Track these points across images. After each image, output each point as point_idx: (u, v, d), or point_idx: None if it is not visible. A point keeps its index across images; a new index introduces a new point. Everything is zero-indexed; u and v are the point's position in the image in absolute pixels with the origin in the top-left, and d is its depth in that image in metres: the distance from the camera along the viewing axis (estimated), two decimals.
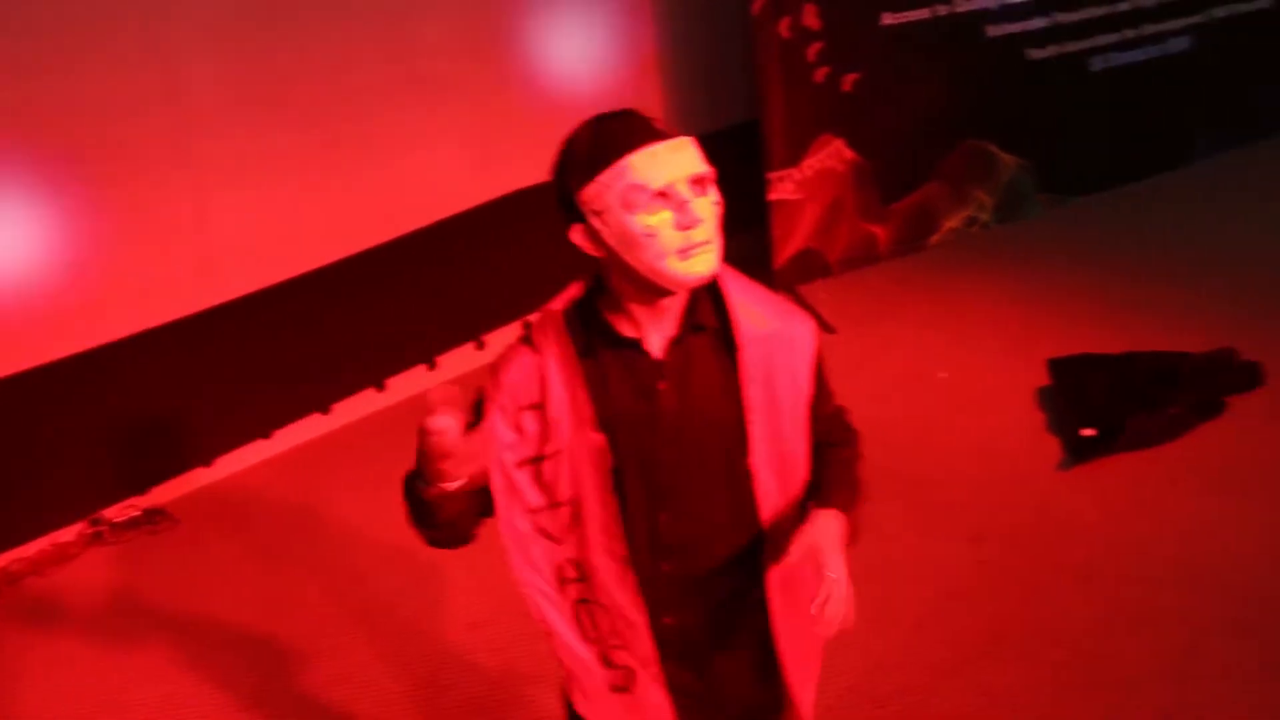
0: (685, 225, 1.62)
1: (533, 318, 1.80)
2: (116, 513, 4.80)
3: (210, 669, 3.79)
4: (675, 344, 1.74)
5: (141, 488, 4.89)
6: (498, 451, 1.72)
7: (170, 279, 4.84)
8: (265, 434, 5.20)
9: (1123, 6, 7.22)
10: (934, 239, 6.81)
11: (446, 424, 1.53)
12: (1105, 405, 4.43)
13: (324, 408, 5.38)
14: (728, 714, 1.96)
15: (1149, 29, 7.39)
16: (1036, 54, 6.98)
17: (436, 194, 5.59)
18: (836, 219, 6.50)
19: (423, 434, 1.55)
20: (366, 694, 3.51)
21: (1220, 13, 7.71)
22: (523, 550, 1.77)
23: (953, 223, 6.88)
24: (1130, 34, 7.31)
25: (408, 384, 5.57)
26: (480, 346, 5.84)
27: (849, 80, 6.38)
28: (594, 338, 1.74)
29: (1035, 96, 7.05)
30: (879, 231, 6.64)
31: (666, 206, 1.62)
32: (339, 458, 5.10)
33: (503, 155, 5.69)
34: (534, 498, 1.75)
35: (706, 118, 6.18)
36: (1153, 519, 3.74)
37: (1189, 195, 7.24)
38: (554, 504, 1.74)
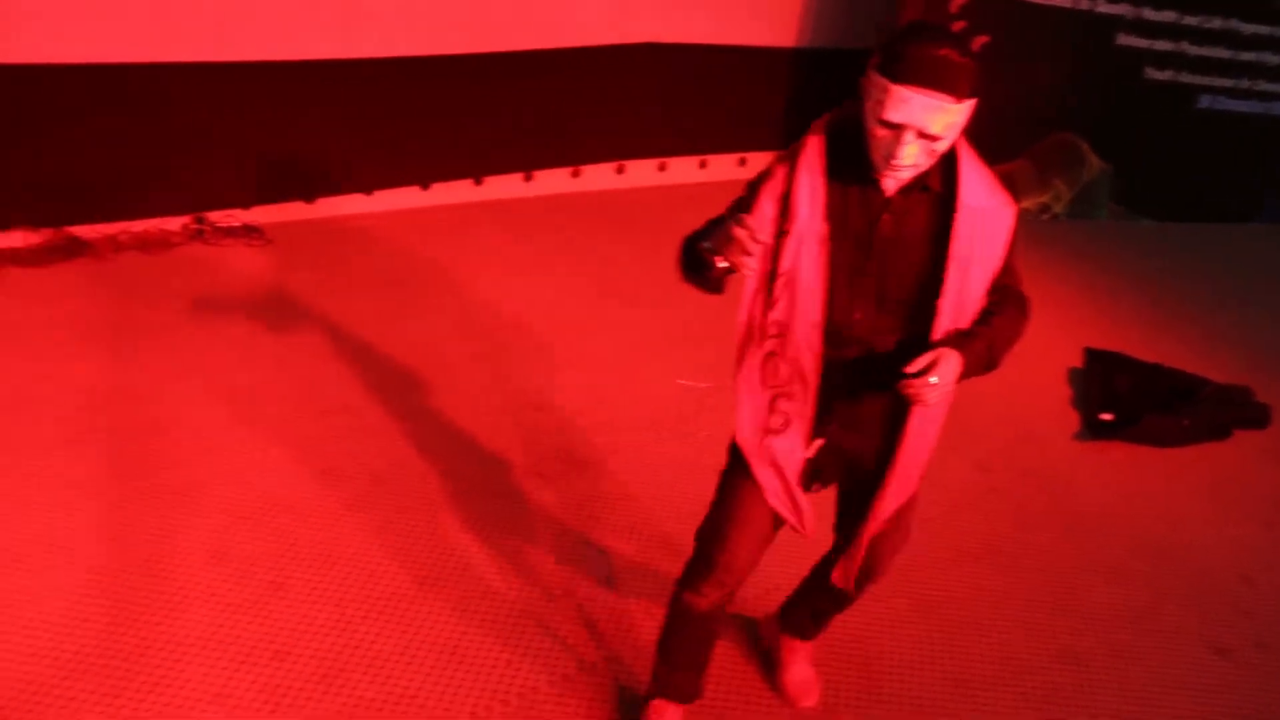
0: (890, 157, 2.03)
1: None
2: (219, 218, 5.15)
3: (289, 371, 4.19)
4: (903, 192, 2.14)
5: (246, 204, 5.24)
6: (759, 221, 2.14)
7: (323, 19, 5.13)
8: (367, 190, 5.55)
9: (1245, 56, 7.48)
10: None
11: (762, 237, 1.98)
12: (1127, 399, 4.83)
13: (424, 184, 5.73)
14: (840, 479, 2.47)
15: (1262, 85, 7.65)
16: (1155, 74, 7.25)
17: (579, 22, 5.89)
18: None
19: (740, 227, 1.98)
20: (434, 435, 3.91)
21: None
22: (751, 301, 2.21)
23: (1028, 203, 7.21)
24: (1245, 84, 7.58)
25: (503, 187, 5.93)
26: (576, 175, 6.19)
27: (979, 41, 6.65)
28: (846, 157, 2.13)
29: (1140, 112, 7.34)
30: None
31: (892, 132, 2.02)
32: (430, 232, 5.46)
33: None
34: (767, 263, 2.19)
35: (833, 33, 6.52)
36: (1144, 501, 4.14)
37: (1245, 248, 7.59)
38: (778, 271, 2.17)
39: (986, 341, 2.23)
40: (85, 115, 4.73)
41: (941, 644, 3.25)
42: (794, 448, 2.31)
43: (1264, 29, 7.42)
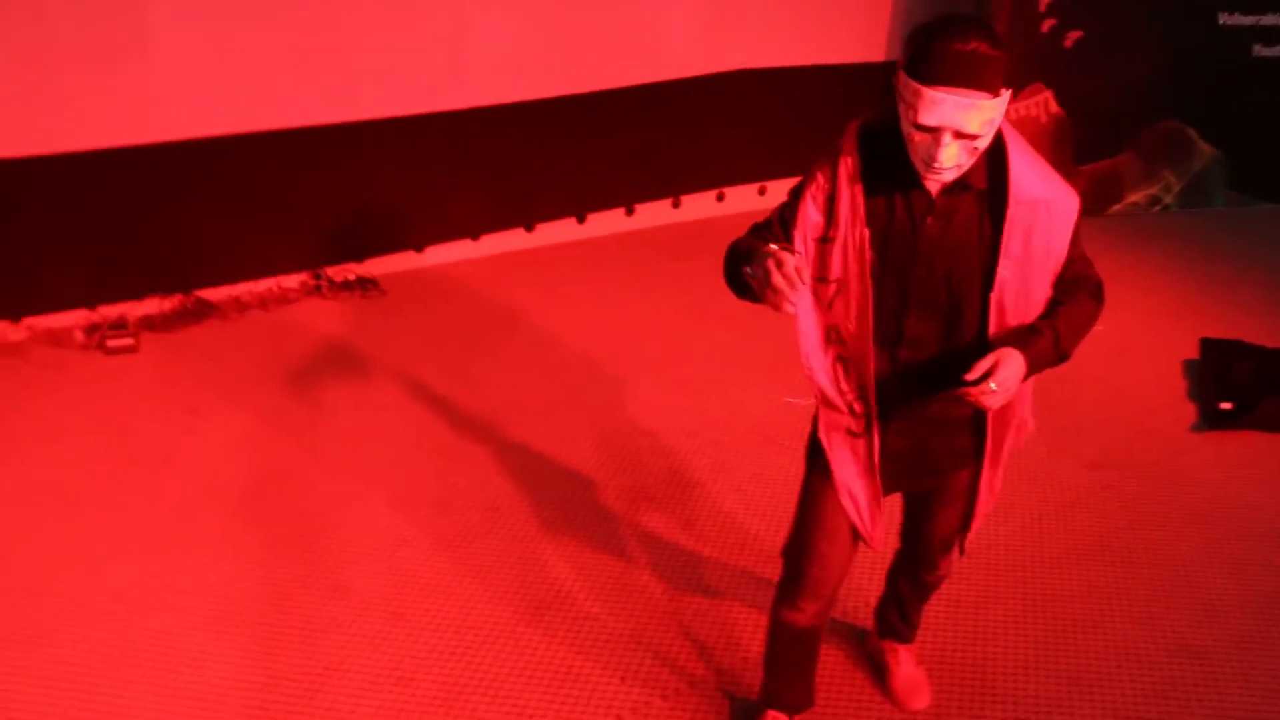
0: (931, 160, 1.98)
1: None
2: (336, 273, 5.39)
3: (404, 414, 4.38)
4: (946, 193, 2.12)
5: (359, 257, 5.49)
6: (803, 226, 2.16)
7: (423, 76, 5.35)
8: (474, 236, 5.75)
9: None
10: (1115, 208, 7.01)
11: (793, 277, 1.91)
12: (1246, 386, 4.70)
13: (529, 226, 5.91)
14: (918, 479, 2.46)
15: None
16: (1263, 50, 7.04)
17: (670, 55, 6.01)
18: None
19: (776, 262, 1.92)
20: (543, 466, 4.05)
21: None
22: (805, 312, 2.21)
23: (1136, 197, 7.07)
24: None
25: (606, 223, 6.09)
26: (676, 206, 6.34)
27: (1072, 37, 6.57)
28: (888, 160, 2.08)
29: (1250, 93, 7.12)
30: None
31: (929, 135, 1.97)
32: (535, 272, 5.64)
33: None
34: (814, 269, 2.18)
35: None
36: (1266, 489, 4.02)
37: None
38: (824, 279, 2.17)
39: (1052, 335, 2.16)
40: (207, 184, 5.02)
41: (1055, 643, 3.22)
42: (873, 452, 2.33)
43: None
